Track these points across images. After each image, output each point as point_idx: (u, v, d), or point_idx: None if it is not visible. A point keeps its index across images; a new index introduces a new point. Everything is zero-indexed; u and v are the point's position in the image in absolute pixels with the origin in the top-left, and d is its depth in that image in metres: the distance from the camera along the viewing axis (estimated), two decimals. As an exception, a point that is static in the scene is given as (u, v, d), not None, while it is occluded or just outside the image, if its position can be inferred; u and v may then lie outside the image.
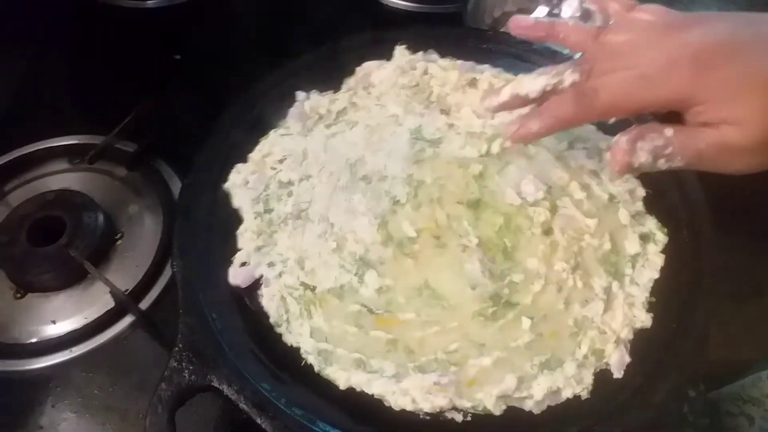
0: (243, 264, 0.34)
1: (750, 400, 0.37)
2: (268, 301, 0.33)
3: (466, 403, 0.29)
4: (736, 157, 0.27)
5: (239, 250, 0.35)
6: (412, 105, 0.40)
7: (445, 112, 0.40)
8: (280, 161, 0.39)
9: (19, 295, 0.42)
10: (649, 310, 0.33)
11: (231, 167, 0.39)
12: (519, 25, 0.33)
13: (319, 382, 0.30)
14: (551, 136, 0.38)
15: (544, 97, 0.31)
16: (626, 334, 0.31)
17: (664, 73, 0.27)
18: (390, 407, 0.30)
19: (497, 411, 0.29)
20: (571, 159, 0.37)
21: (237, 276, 0.34)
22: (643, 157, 0.28)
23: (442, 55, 0.43)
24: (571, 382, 0.30)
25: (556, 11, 0.56)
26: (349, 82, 0.43)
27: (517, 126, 0.31)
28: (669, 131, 0.27)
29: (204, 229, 0.36)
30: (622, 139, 0.28)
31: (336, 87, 0.43)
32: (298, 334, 0.32)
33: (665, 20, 0.29)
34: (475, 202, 0.35)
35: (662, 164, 0.28)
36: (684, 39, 0.27)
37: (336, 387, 0.30)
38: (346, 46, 0.45)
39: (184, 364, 0.30)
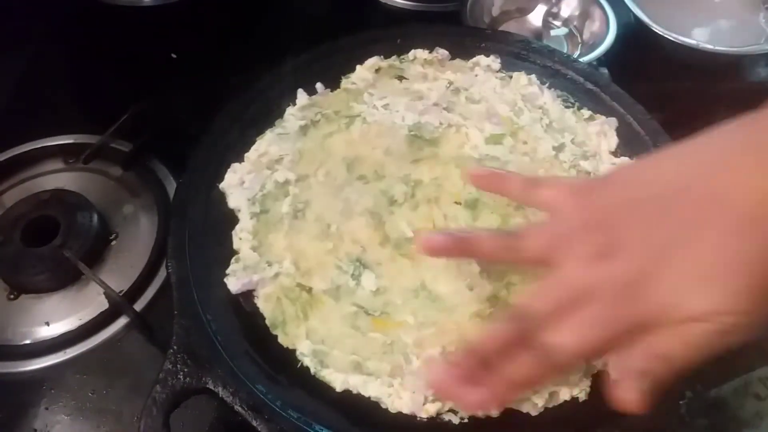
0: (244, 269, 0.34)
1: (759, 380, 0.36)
2: (264, 302, 0.33)
3: (463, 406, 0.29)
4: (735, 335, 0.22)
5: (235, 251, 0.35)
6: (412, 104, 0.40)
7: (446, 110, 0.40)
8: (277, 161, 0.39)
9: (12, 297, 0.41)
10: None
11: (227, 167, 0.39)
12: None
13: (315, 384, 0.30)
14: (548, 135, 0.38)
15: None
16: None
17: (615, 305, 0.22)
18: (386, 410, 0.29)
19: (494, 413, 0.29)
20: (565, 159, 0.37)
21: (237, 284, 0.33)
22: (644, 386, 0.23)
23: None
24: (569, 383, 0.30)
25: (554, 10, 0.56)
26: (347, 82, 0.43)
27: None
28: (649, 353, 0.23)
29: (199, 229, 0.36)
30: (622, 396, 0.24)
31: (333, 86, 0.43)
32: (294, 335, 0.32)
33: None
34: (472, 202, 0.35)
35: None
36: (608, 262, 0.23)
37: (332, 389, 0.30)
38: (343, 45, 0.44)
39: (179, 366, 0.30)
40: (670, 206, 0.23)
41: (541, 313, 0.24)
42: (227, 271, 0.34)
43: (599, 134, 0.39)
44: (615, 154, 0.38)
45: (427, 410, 0.29)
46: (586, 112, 0.40)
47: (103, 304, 0.40)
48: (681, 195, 0.23)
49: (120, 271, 0.42)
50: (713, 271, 0.22)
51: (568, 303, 0.23)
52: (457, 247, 0.28)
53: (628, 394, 0.24)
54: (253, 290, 0.34)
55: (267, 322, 0.32)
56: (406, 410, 0.29)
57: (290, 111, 0.41)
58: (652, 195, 0.23)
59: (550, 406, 0.30)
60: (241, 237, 0.35)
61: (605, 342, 0.23)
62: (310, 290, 0.33)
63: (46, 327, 0.40)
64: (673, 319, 0.22)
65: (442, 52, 0.44)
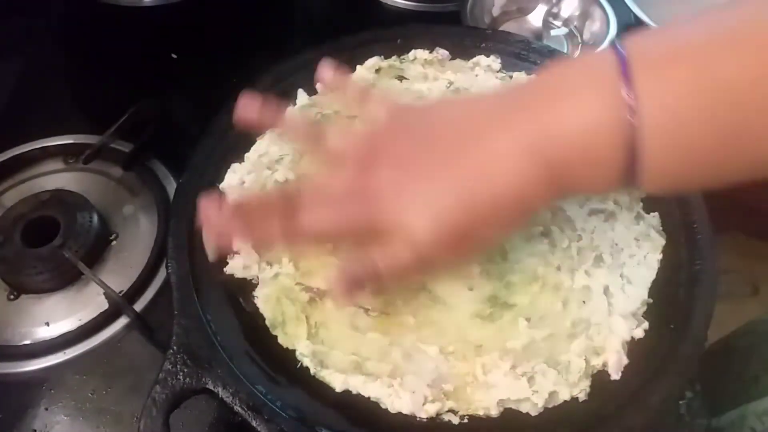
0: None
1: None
2: (264, 302, 0.33)
3: (462, 406, 0.29)
4: (428, 262, 0.27)
5: (234, 251, 0.35)
6: (412, 103, 0.40)
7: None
8: (277, 161, 0.39)
9: (12, 297, 0.41)
10: (646, 311, 0.32)
11: (227, 167, 0.39)
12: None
13: (314, 384, 0.30)
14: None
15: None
16: (624, 335, 0.31)
17: (348, 201, 0.27)
18: (386, 410, 0.29)
19: (494, 413, 0.29)
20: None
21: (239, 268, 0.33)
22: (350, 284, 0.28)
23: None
24: (569, 383, 0.30)
25: (555, 10, 0.56)
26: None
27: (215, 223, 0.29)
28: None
29: (199, 229, 0.36)
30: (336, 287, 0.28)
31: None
32: (293, 335, 0.32)
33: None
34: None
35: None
36: (367, 174, 0.27)
37: (332, 389, 0.30)
38: (344, 45, 0.44)
39: (178, 366, 0.30)
40: (436, 139, 0.27)
41: (305, 195, 0.28)
42: (227, 260, 0.34)
43: (599, 134, 0.39)
44: (615, 154, 0.38)
45: (426, 410, 0.29)
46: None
47: (102, 305, 0.40)
48: (446, 131, 0.27)
49: (120, 271, 0.42)
50: (433, 206, 0.25)
51: (325, 195, 0.28)
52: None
53: (334, 281, 0.29)
54: (253, 290, 0.33)
55: (267, 322, 0.32)
56: (405, 410, 0.29)
57: (291, 111, 0.41)
58: (431, 126, 0.27)
59: (550, 406, 0.29)
60: (241, 237, 0.35)
61: (337, 233, 0.28)
62: (310, 290, 0.32)
63: (46, 327, 0.40)
64: (389, 234, 0.26)
65: (442, 53, 0.44)
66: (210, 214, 0.28)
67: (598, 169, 0.24)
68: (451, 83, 0.42)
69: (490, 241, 0.29)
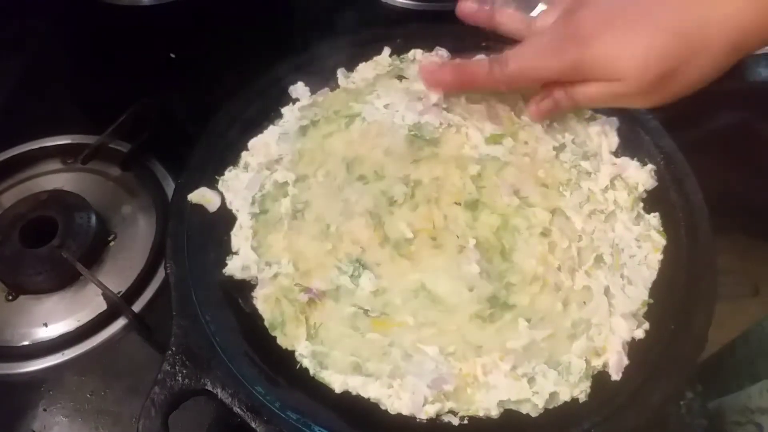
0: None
1: (758, 410, 0.37)
2: (263, 303, 0.33)
3: (462, 407, 0.29)
4: (627, 101, 0.32)
5: (234, 251, 0.35)
6: (412, 104, 0.40)
7: (446, 110, 0.39)
8: (276, 161, 0.38)
9: (10, 297, 0.41)
10: (647, 312, 0.32)
11: (225, 167, 0.38)
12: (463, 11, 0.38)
13: (314, 385, 0.30)
14: (548, 135, 0.38)
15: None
16: (625, 335, 0.31)
17: (557, 45, 0.31)
18: (386, 411, 0.29)
19: (495, 414, 0.29)
20: (566, 159, 0.37)
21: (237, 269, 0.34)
22: (548, 106, 0.35)
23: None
24: (569, 384, 0.30)
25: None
26: (347, 81, 0.43)
27: (433, 69, 0.35)
28: (563, 90, 0.33)
29: (198, 230, 0.36)
30: (532, 101, 0.35)
31: (333, 86, 0.43)
32: (293, 336, 0.32)
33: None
34: (472, 203, 0.35)
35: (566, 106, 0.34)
36: (577, 15, 0.31)
37: (331, 390, 0.30)
38: (344, 44, 0.44)
39: (177, 367, 0.30)
40: None
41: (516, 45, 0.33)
42: (225, 260, 0.34)
43: (600, 134, 0.39)
44: (616, 154, 0.38)
45: (426, 411, 0.29)
46: (586, 112, 0.40)
47: (101, 305, 0.40)
48: None
49: (118, 271, 0.42)
50: (641, 45, 0.29)
51: (535, 41, 0.33)
52: (457, 80, 0.35)
53: (538, 105, 0.35)
54: (252, 290, 0.33)
55: (266, 323, 0.32)
56: (405, 411, 0.29)
57: (289, 111, 0.41)
58: None
59: (551, 407, 0.29)
60: (240, 237, 0.35)
61: (542, 73, 0.33)
62: (309, 291, 0.32)
63: (45, 328, 0.40)
64: (592, 73, 0.31)
65: (442, 52, 0.43)
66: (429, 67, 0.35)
67: None
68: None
69: (695, 84, 0.30)
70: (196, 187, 0.37)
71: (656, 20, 0.28)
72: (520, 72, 0.32)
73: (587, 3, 0.31)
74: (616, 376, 0.30)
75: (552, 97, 0.34)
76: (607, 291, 0.32)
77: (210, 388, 0.29)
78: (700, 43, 0.28)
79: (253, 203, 0.36)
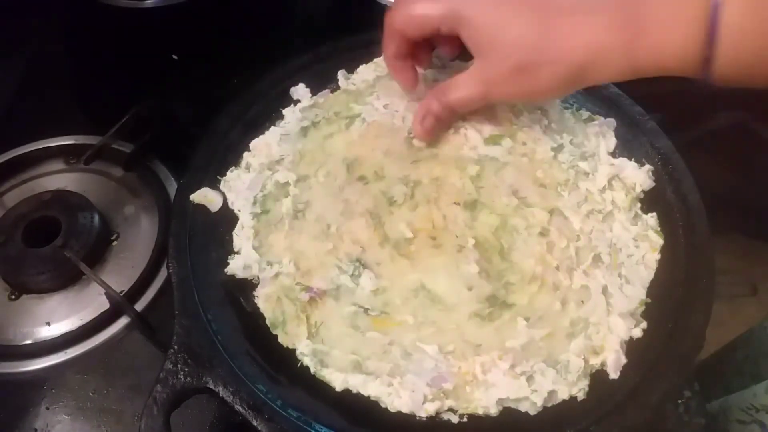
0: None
1: (763, 408, 0.37)
2: (264, 302, 0.33)
3: (462, 405, 0.29)
4: (489, 88, 0.32)
5: (235, 251, 0.35)
6: (412, 105, 0.40)
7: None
8: (277, 162, 0.39)
9: (13, 297, 0.42)
10: (645, 311, 0.33)
11: (227, 168, 0.39)
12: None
13: (315, 383, 0.30)
14: (546, 135, 0.38)
15: None
16: (623, 334, 0.31)
17: None
18: (386, 409, 0.30)
19: (493, 412, 0.29)
20: (564, 160, 0.37)
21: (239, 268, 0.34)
22: (431, 123, 0.35)
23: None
24: (568, 383, 0.30)
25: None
26: (347, 83, 0.43)
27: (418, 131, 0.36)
28: (436, 100, 0.34)
29: (200, 230, 0.36)
30: (414, 122, 0.36)
31: (334, 87, 0.43)
32: (294, 335, 0.32)
33: None
34: (471, 203, 0.35)
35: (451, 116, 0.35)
36: None
37: (332, 388, 0.30)
38: (344, 46, 0.45)
39: (179, 365, 0.30)
40: None
41: None
42: (227, 260, 0.34)
43: (598, 135, 0.39)
44: (613, 154, 0.39)
45: (426, 409, 0.29)
46: (584, 113, 0.41)
47: (104, 304, 0.41)
48: None
49: (121, 271, 0.42)
50: (513, 32, 0.30)
51: None
52: (439, 119, 0.35)
53: (421, 125, 0.36)
54: (253, 290, 0.34)
55: (267, 321, 0.33)
56: (405, 409, 0.29)
57: (290, 112, 0.41)
58: None
59: (549, 405, 0.30)
60: (242, 237, 0.36)
61: (425, 16, 0.33)
62: (310, 290, 0.33)
63: (47, 327, 0.40)
64: (466, 29, 0.31)
65: (441, 53, 0.44)
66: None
67: (677, 35, 0.27)
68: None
69: (545, 89, 0.31)
70: (199, 188, 0.37)
71: (538, 12, 0.29)
72: (407, 15, 0.33)
73: None
74: (614, 374, 0.31)
75: (430, 112, 0.35)
76: (605, 290, 0.33)
77: (212, 387, 0.30)
78: (558, 51, 0.29)
79: (254, 203, 0.37)
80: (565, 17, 0.29)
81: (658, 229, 0.35)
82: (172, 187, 0.46)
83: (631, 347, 0.31)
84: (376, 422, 0.29)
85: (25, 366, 0.39)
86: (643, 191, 0.37)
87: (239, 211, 0.37)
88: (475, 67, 0.32)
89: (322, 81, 0.43)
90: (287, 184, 0.37)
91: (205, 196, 0.37)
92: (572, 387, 0.30)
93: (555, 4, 0.30)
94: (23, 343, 0.40)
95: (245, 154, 0.39)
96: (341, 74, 0.43)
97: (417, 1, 0.32)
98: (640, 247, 0.34)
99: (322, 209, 0.36)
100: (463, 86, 0.33)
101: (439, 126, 0.36)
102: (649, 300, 0.33)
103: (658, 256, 0.34)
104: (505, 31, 0.30)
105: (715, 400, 0.39)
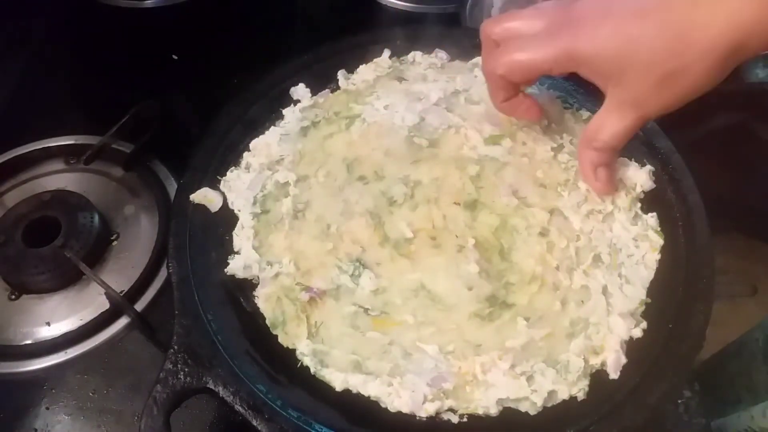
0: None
1: (760, 431, 0.36)
2: (264, 302, 0.33)
3: (462, 405, 0.29)
4: (633, 109, 0.30)
5: (235, 251, 0.35)
6: (411, 105, 0.40)
7: (445, 111, 0.40)
8: (277, 161, 0.39)
9: (13, 297, 0.42)
10: (645, 311, 0.33)
11: (227, 168, 0.39)
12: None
13: (315, 383, 0.30)
14: (546, 135, 0.38)
15: None
16: (623, 334, 0.31)
17: (553, 31, 0.30)
18: (386, 409, 0.30)
19: (493, 412, 0.29)
20: (564, 160, 0.37)
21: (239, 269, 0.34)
22: (604, 174, 0.33)
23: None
24: (568, 383, 0.30)
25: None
26: (347, 83, 0.43)
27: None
28: (592, 150, 0.32)
29: (200, 229, 0.36)
30: (588, 180, 0.34)
31: (334, 87, 0.43)
32: (294, 335, 0.32)
33: None
34: (471, 203, 0.35)
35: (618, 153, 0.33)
36: (575, 3, 0.30)
37: (332, 388, 0.30)
38: (343, 46, 0.45)
39: (179, 365, 0.30)
40: None
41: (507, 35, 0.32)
42: (227, 260, 0.34)
43: (598, 135, 0.39)
44: (614, 154, 0.39)
45: (426, 409, 0.29)
46: (584, 113, 0.41)
47: (104, 304, 0.41)
48: None
49: (121, 271, 0.42)
50: (641, 49, 0.27)
51: (526, 33, 0.31)
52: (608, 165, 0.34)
53: (597, 179, 0.34)
54: (253, 290, 0.34)
55: (267, 321, 0.33)
56: (405, 409, 0.29)
57: (290, 112, 0.41)
58: None
59: (549, 405, 0.30)
60: (242, 237, 0.36)
61: (534, 67, 0.31)
62: (310, 290, 0.33)
63: (47, 327, 0.40)
64: (589, 63, 0.29)
65: (441, 54, 0.44)
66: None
67: None
68: (450, 84, 0.42)
69: (698, 88, 0.28)
70: (198, 188, 0.37)
71: (661, 18, 0.27)
72: (512, 61, 0.31)
73: None
74: (614, 374, 0.31)
75: (594, 164, 0.32)
76: (605, 290, 0.33)
77: (212, 387, 0.30)
78: (703, 44, 0.26)
79: (254, 203, 0.37)
80: (697, 7, 0.26)
81: (659, 229, 0.35)
82: (172, 187, 0.46)
83: (631, 347, 0.31)
84: (376, 422, 0.29)
85: (25, 366, 0.39)
86: (643, 191, 0.37)
87: (239, 211, 0.37)
88: (612, 98, 0.30)
89: (322, 81, 0.43)
90: (287, 184, 0.37)
91: (205, 196, 0.37)
92: (572, 387, 0.30)
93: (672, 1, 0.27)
94: (23, 343, 0.40)
95: (245, 154, 0.39)
96: (341, 74, 0.43)
97: (519, 46, 0.30)
98: (640, 247, 0.34)
99: (322, 209, 0.36)
100: (614, 121, 0.30)
101: (612, 171, 0.34)
102: (649, 300, 0.33)
103: (658, 256, 0.34)
104: (635, 53, 0.27)
105: (711, 420, 0.38)
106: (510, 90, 0.33)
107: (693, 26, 0.26)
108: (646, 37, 0.27)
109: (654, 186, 0.37)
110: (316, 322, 0.32)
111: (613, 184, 0.34)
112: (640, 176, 0.37)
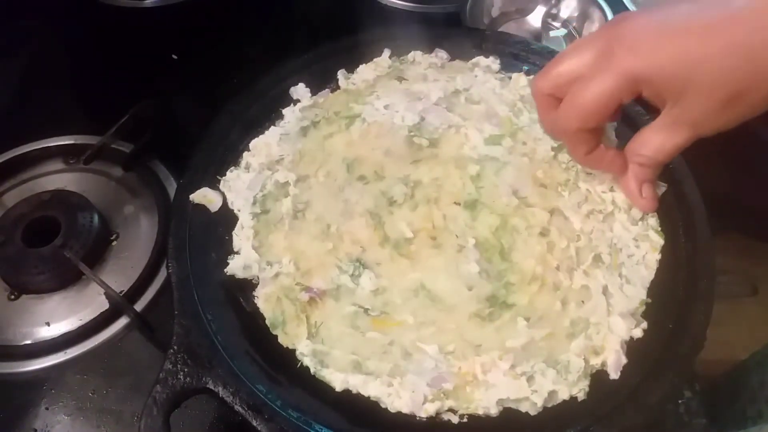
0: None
1: None
2: (264, 302, 0.33)
3: (462, 405, 0.29)
4: (691, 129, 0.28)
5: (235, 251, 0.35)
6: (412, 104, 0.40)
7: (446, 110, 0.40)
8: (277, 161, 0.39)
9: (13, 297, 0.42)
10: (645, 311, 0.33)
11: (227, 167, 0.39)
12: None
13: (314, 383, 0.30)
14: (547, 135, 0.38)
15: None
16: (623, 334, 0.31)
17: (607, 60, 0.27)
18: (386, 409, 0.30)
19: (494, 412, 0.29)
20: (564, 160, 0.37)
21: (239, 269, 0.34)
22: (650, 190, 0.32)
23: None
24: (568, 383, 0.30)
25: (554, 11, 0.57)
26: (347, 83, 0.43)
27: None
28: (639, 166, 0.30)
29: (200, 229, 0.36)
30: (633, 196, 0.32)
31: (333, 87, 0.43)
32: (293, 335, 0.32)
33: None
34: (471, 203, 0.35)
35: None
36: (623, 24, 0.28)
37: (332, 389, 0.30)
38: (343, 45, 0.45)
39: (179, 365, 0.30)
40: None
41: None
42: (227, 260, 0.34)
43: (598, 135, 0.39)
44: (614, 154, 0.38)
45: (426, 410, 0.29)
46: (584, 113, 0.41)
47: (103, 304, 0.40)
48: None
49: (120, 271, 0.42)
50: (711, 67, 0.25)
51: (574, 79, 0.29)
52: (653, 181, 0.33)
53: (643, 196, 0.32)
54: (253, 290, 0.34)
55: (267, 321, 0.33)
56: (405, 410, 0.29)
57: (290, 111, 0.41)
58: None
59: (549, 405, 0.30)
60: (242, 237, 0.35)
61: (600, 110, 0.28)
62: (310, 290, 0.33)
63: (47, 327, 0.40)
64: (653, 83, 0.27)
65: (441, 54, 0.44)
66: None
67: None
68: (450, 84, 0.42)
69: (762, 107, 0.27)
70: (198, 187, 0.37)
71: (727, 37, 0.25)
72: (582, 107, 0.28)
73: (631, 14, 0.28)
74: (614, 375, 0.30)
75: (640, 179, 0.31)
76: (605, 290, 0.33)
77: (211, 387, 0.30)
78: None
79: (254, 203, 0.37)
80: (765, 26, 0.24)
81: (659, 229, 0.35)
82: (171, 187, 0.46)
83: (632, 347, 0.31)
84: (376, 422, 0.29)
85: (24, 366, 0.39)
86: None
87: (239, 211, 0.37)
88: (668, 116, 0.28)
89: (322, 81, 0.43)
90: (287, 184, 0.37)
91: (205, 196, 0.37)
92: (572, 387, 0.30)
93: (738, 11, 0.25)
94: (23, 343, 0.40)
95: (245, 154, 0.39)
96: (341, 74, 0.43)
97: (582, 88, 0.28)
98: (640, 247, 0.34)
99: (322, 209, 0.36)
100: (665, 137, 0.28)
101: (653, 186, 0.32)
102: (649, 300, 0.33)
103: (658, 256, 0.34)
104: (699, 74, 0.25)
105: None
106: (591, 140, 0.30)
107: (763, 46, 0.25)
108: (712, 56, 0.25)
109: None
110: (316, 322, 0.32)
111: (658, 200, 0.33)
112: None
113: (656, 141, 0.29)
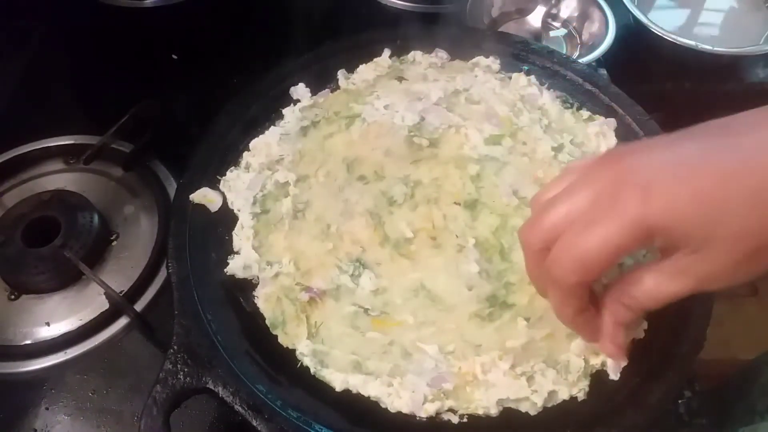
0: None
1: None
2: (264, 302, 0.33)
3: (462, 405, 0.29)
4: (707, 282, 0.24)
5: (235, 251, 0.35)
6: (412, 104, 0.40)
7: (446, 110, 0.40)
8: (277, 161, 0.39)
9: (13, 297, 0.42)
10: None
11: (227, 167, 0.39)
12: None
13: (314, 383, 0.30)
14: (547, 135, 0.38)
15: None
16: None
17: (611, 201, 0.23)
18: (386, 409, 0.30)
19: (494, 412, 0.29)
20: (564, 160, 0.37)
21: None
22: (622, 336, 0.26)
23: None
24: (568, 383, 0.30)
25: (554, 11, 0.57)
26: (347, 83, 0.43)
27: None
28: (623, 307, 0.25)
29: (200, 229, 0.36)
30: (604, 338, 0.27)
31: (333, 87, 0.43)
32: (293, 335, 0.32)
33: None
34: (471, 203, 0.35)
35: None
36: (629, 159, 0.24)
37: (332, 389, 0.30)
38: (343, 45, 0.45)
39: (179, 365, 0.30)
40: (695, 129, 0.23)
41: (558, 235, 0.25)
42: (227, 260, 0.34)
43: (598, 135, 0.39)
44: (614, 154, 0.38)
45: (426, 410, 0.29)
46: (585, 113, 0.41)
47: (103, 304, 0.40)
48: (704, 126, 0.23)
49: (120, 271, 0.42)
50: (739, 214, 0.22)
51: (571, 220, 0.24)
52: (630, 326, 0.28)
53: (613, 344, 0.27)
54: (253, 290, 0.34)
55: (267, 322, 0.33)
56: (405, 410, 0.29)
57: (290, 111, 0.41)
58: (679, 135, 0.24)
59: (549, 405, 0.30)
60: (242, 237, 0.36)
61: (609, 256, 0.24)
62: (310, 290, 0.33)
63: (47, 327, 0.40)
64: (667, 233, 0.23)
65: (441, 54, 0.44)
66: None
67: None
68: (450, 84, 0.42)
69: None
70: (198, 187, 0.37)
71: (751, 183, 0.22)
72: (581, 255, 0.23)
73: (631, 152, 0.23)
74: (614, 375, 0.30)
75: (620, 322, 0.26)
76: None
77: (211, 387, 0.30)
78: None
79: (254, 203, 0.37)
80: None
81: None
82: (171, 187, 0.46)
83: (632, 347, 0.31)
84: (376, 422, 0.29)
85: (24, 366, 0.39)
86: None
87: (239, 211, 0.37)
88: (678, 262, 0.23)
89: (322, 81, 0.43)
90: (287, 183, 0.37)
91: (205, 196, 0.37)
92: (572, 387, 0.30)
93: (750, 156, 0.21)
94: (23, 343, 0.40)
95: (245, 154, 0.39)
96: (341, 74, 0.43)
97: (580, 232, 0.23)
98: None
99: (322, 209, 0.36)
100: (663, 282, 0.24)
101: (630, 335, 0.28)
102: (649, 300, 0.33)
103: (659, 256, 0.34)
104: (723, 224, 0.22)
105: (741, 428, 0.37)
106: (584, 296, 0.25)
107: None
108: (736, 205, 0.22)
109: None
110: (316, 322, 0.32)
111: (625, 353, 0.28)
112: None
113: (649, 283, 0.25)
